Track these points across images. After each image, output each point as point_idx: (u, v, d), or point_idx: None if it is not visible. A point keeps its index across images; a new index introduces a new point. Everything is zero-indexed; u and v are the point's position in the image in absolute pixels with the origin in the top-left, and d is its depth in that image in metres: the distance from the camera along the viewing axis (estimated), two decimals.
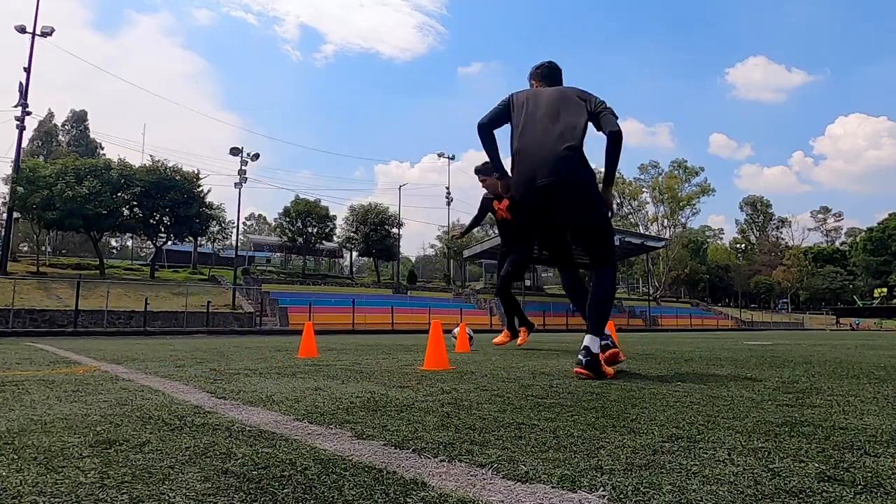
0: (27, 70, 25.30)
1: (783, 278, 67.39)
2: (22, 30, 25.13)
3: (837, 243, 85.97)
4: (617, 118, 2.99)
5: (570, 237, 3.21)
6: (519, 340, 5.88)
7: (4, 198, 34.14)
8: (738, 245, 76.57)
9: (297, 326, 22.05)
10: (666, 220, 62.82)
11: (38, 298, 20.69)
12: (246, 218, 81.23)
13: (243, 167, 29.06)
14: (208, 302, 22.06)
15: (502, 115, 3.17)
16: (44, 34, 25.59)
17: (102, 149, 52.12)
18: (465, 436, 1.34)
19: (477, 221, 6.19)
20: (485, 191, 5.90)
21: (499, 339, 5.86)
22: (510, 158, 3.11)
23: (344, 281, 39.38)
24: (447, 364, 3.24)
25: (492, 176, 5.84)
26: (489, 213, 6.03)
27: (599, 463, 1.08)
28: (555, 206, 2.93)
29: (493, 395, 2.07)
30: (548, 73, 3.41)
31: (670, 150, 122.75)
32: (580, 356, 2.71)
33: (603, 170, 3.16)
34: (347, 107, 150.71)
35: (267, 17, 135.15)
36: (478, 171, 5.79)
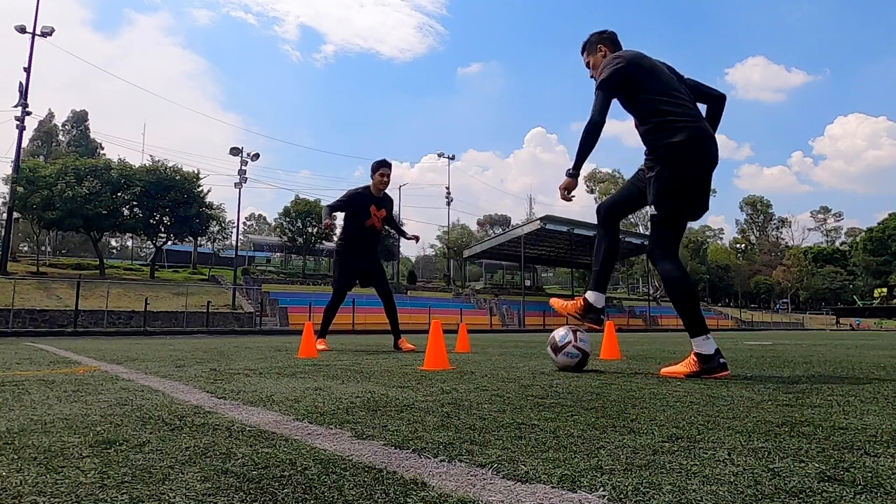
0: (27, 70, 25.30)
1: (783, 278, 67.39)
2: (22, 30, 25.14)
3: (837, 243, 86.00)
4: None
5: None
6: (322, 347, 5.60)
7: (4, 198, 34.18)
8: (738, 245, 76.56)
9: (297, 326, 22.04)
10: None
11: (38, 298, 20.69)
12: (246, 218, 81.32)
13: (243, 167, 29.08)
14: (208, 302, 22.05)
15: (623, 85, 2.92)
16: (44, 34, 25.59)
17: (103, 149, 52.20)
18: (465, 436, 1.34)
19: (335, 210, 5.71)
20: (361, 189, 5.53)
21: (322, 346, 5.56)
22: (659, 118, 2.83)
23: None
24: (447, 364, 3.24)
25: (389, 169, 5.52)
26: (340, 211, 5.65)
27: (599, 463, 1.08)
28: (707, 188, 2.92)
29: (493, 395, 2.07)
30: (616, 39, 3.20)
31: None
32: (722, 359, 2.72)
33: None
34: (347, 107, 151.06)
35: (267, 17, 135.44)
36: (387, 164, 5.56)
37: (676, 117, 2.83)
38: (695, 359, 2.73)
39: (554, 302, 3.30)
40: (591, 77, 3.16)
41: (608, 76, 2.90)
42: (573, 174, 2.95)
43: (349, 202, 5.62)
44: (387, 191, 5.78)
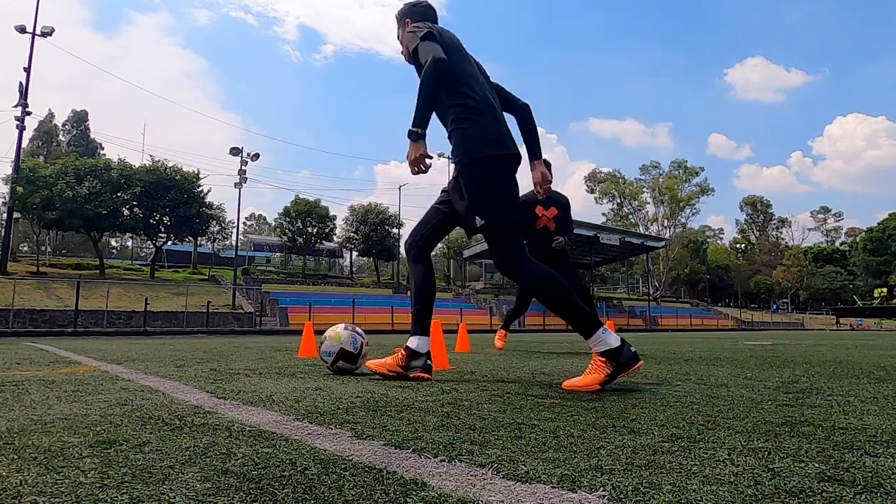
0: (27, 70, 25.30)
1: (783, 278, 67.43)
2: (22, 30, 25.13)
3: (837, 243, 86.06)
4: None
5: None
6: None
7: (4, 198, 34.17)
8: (738, 245, 76.59)
9: (297, 326, 22.06)
10: (666, 220, 62.94)
11: (38, 298, 20.68)
12: (246, 218, 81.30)
13: (243, 167, 29.06)
14: (208, 302, 22.05)
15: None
16: (44, 34, 25.59)
17: (103, 149, 52.21)
18: (465, 436, 1.34)
19: None
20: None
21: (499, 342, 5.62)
22: (465, 109, 2.53)
23: (344, 281, 39.39)
24: (447, 364, 3.24)
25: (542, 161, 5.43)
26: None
27: (599, 463, 1.08)
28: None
29: (493, 395, 2.07)
30: (427, 14, 2.80)
31: (669, 151, 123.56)
32: (632, 349, 2.27)
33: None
34: (347, 107, 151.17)
35: (266, 17, 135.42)
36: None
37: (489, 115, 2.57)
38: (602, 360, 2.25)
39: (370, 364, 2.73)
40: (402, 54, 2.84)
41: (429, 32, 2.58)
42: (421, 134, 2.44)
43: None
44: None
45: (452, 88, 2.57)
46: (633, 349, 2.27)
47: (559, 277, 2.46)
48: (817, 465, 1.05)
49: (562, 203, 5.55)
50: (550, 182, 2.94)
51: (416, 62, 2.63)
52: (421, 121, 2.43)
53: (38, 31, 25.42)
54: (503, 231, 2.51)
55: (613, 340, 2.26)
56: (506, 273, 2.54)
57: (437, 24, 2.82)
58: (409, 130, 2.43)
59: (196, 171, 29.31)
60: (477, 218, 2.52)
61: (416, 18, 2.79)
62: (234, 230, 31.94)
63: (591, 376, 2.24)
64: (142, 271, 31.58)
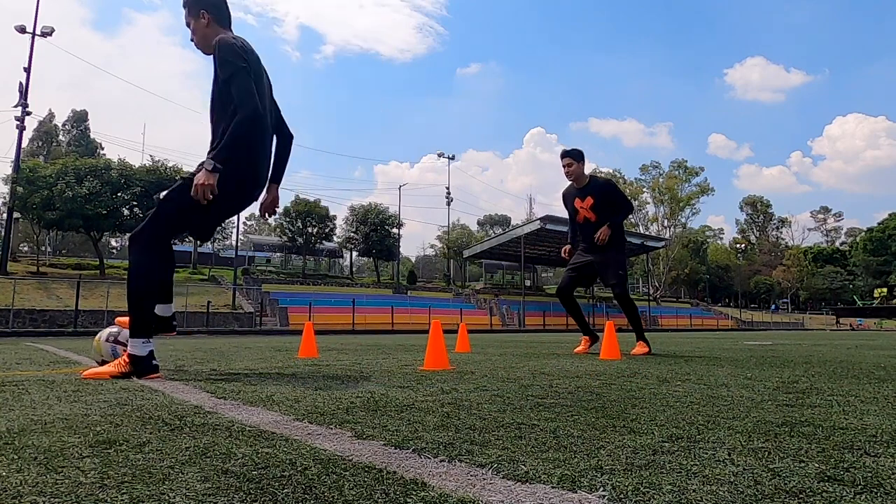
0: (27, 70, 25.30)
1: (783, 278, 67.44)
2: (22, 30, 25.14)
3: (837, 243, 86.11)
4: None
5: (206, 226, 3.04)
6: (579, 348, 5.23)
7: (4, 198, 34.16)
8: (738, 245, 76.60)
9: (297, 326, 22.05)
10: (666, 220, 62.97)
11: (38, 298, 20.69)
12: (246, 218, 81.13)
13: None
14: (208, 302, 22.06)
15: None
16: (44, 34, 25.59)
17: (102, 149, 52.19)
18: (465, 436, 1.34)
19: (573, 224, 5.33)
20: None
21: (579, 347, 5.25)
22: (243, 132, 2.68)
23: (344, 281, 39.39)
24: (447, 364, 3.24)
25: (580, 162, 5.09)
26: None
27: (599, 463, 1.08)
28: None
29: (493, 395, 2.07)
30: (223, 8, 2.85)
31: (669, 150, 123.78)
32: (155, 361, 2.76)
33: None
34: (347, 107, 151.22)
35: (266, 17, 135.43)
36: (563, 153, 5.22)
37: (258, 146, 2.81)
38: (126, 360, 2.67)
39: (88, 374, 2.67)
40: (192, 40, 2.92)
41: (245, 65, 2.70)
42: (221, 170, 2.63)
43: (564, 204, 5.35)
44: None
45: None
46: (155, 362, 2.78)
47: (150, 274, 2.72)
48: (817, 465, 1.05)
49: (597, 187, 5.19)
50: (277, 206, 3.17)
51: (223, 65, 2.71)
52: (224, 159, 2.64)
53: (38, 31, 25.42)
54: (161, 214, 2.73)
55: (144, 351, 2.70)
56: (129, 242, 2.75)
57: (231, 24, 2.91)
58: (214, 164, 2.61)
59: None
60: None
61: (213, 13, 2.84)
62: (234, 230, 31.98)
63: (112, 369, 2.65)
64: None
